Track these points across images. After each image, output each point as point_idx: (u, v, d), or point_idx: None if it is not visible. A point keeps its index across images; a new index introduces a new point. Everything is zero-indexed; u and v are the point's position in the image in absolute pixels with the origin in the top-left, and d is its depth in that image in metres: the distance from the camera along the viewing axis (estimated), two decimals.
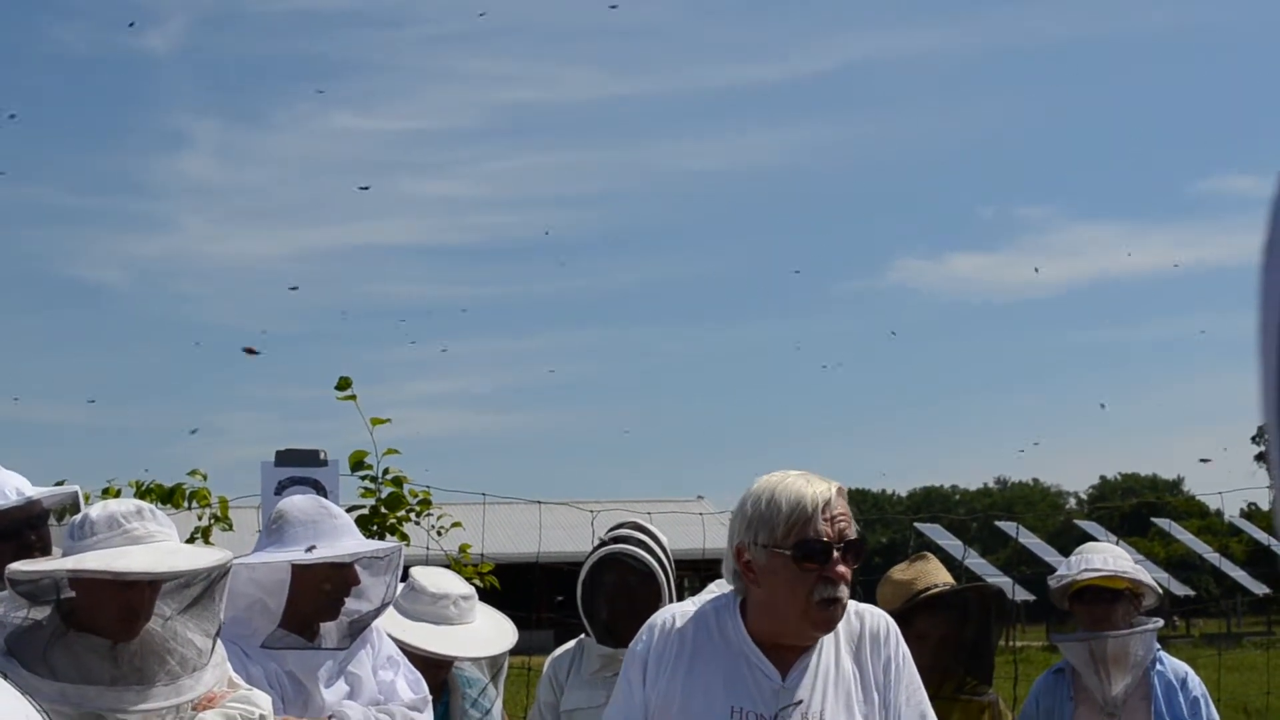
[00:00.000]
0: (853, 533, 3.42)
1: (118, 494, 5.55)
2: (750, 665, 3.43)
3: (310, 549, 4.16)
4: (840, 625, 3.49)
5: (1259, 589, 42.74)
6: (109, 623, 3.74)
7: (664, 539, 5.05)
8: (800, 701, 3.40)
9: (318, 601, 4.33)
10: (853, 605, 3.57)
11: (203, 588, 3.86)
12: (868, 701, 3.47)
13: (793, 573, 3.36)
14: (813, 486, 3.40)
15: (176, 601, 3.84)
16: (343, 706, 4.30)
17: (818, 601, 3.36)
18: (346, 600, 4.39)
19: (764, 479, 3.48)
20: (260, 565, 4.29)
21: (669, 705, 3.41)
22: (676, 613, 3.55)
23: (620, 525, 5.11)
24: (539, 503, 7.15)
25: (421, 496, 6.15)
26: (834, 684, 3.45)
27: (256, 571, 4.28)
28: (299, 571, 4.28)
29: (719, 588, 3.71)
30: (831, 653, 3.48)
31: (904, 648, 3.59)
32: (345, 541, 4.38)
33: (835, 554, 3.36)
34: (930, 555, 5.15)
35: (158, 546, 3.80)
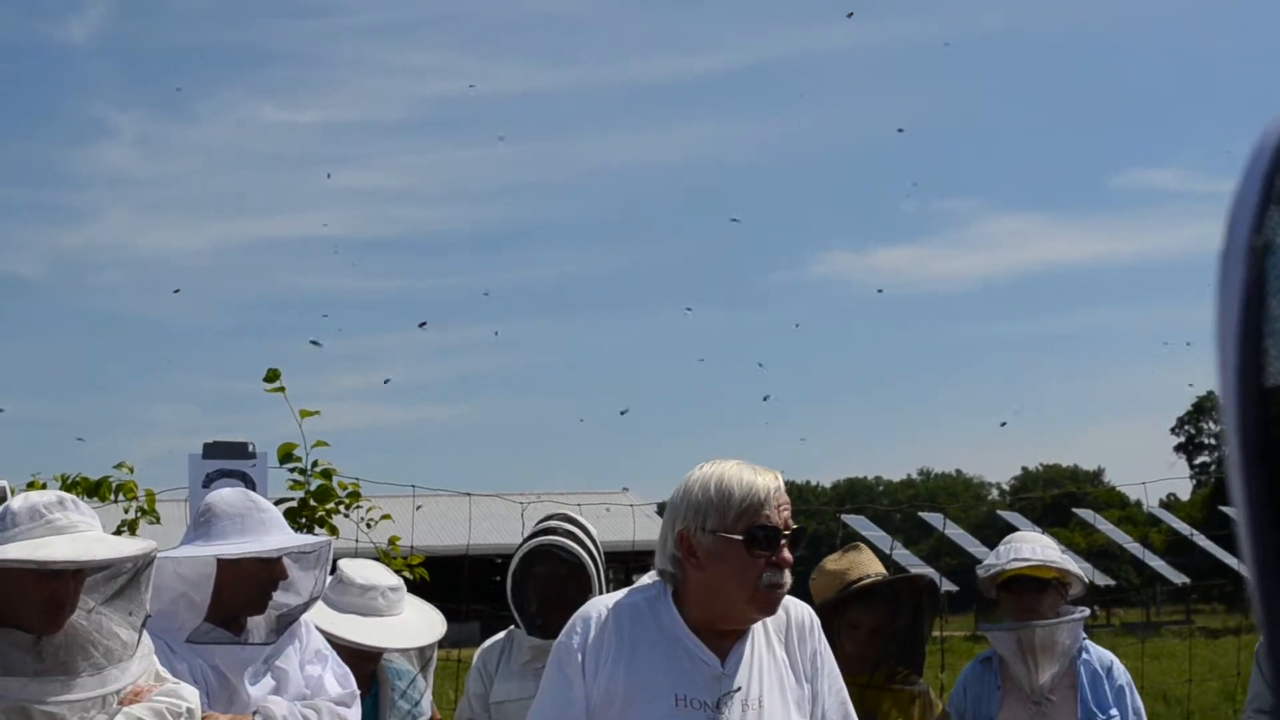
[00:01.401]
0: (794, 521, 3.50)
1: (43, 487, 5.48)
2: (689, 653, 3.45)
3: None
4: None
5: (1178, 578, 43.32)
6: (32, 616, 3.69)
7: (593, 530, 5.05)
8: (739, 688, 3.44)
9: (245, 596, 4.30)
10: None
11: (128, 578, 3.82)
12: (798, 688, 3.54)
13: (742, 558, 3.40)
14: (760, 476, 3.47)
15: (101, 593, 3.80)
16: (268, 702, 4.26)
17: (765, 586, 3.42)
18: (274, 594, 4.35)
19: (707, 466, 3.52)
20: (186, 559, 4.24)
21: (612, 697, 3.41)
22: (607, 604, 3.56)
23: (550, 517, 5.10)
24: (468, 495, 7.13)
25: (350, 489, 6.12)
26: (769, 671, 3.50)
27: (182, 565, 4.24)
28: (225, 566, 4.24)
29: (650, 579, 3.70)
30: (763, 641, 3.53)
31: (824, 639, 3.68)
32: (273, 536, 4.34)
33: (782, 541, 3.43)
34: (863, 546, 5.18)
35: (81, 536, 3.76)
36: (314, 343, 10.82)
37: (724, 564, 3.42)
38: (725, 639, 3.48)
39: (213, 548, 4.25)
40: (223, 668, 4.26)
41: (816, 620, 3.67)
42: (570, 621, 3.57)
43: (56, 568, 3.67)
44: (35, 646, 3.68)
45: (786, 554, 3.43)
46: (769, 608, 3.47)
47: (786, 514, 3.46)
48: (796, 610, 3.63)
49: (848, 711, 3.66)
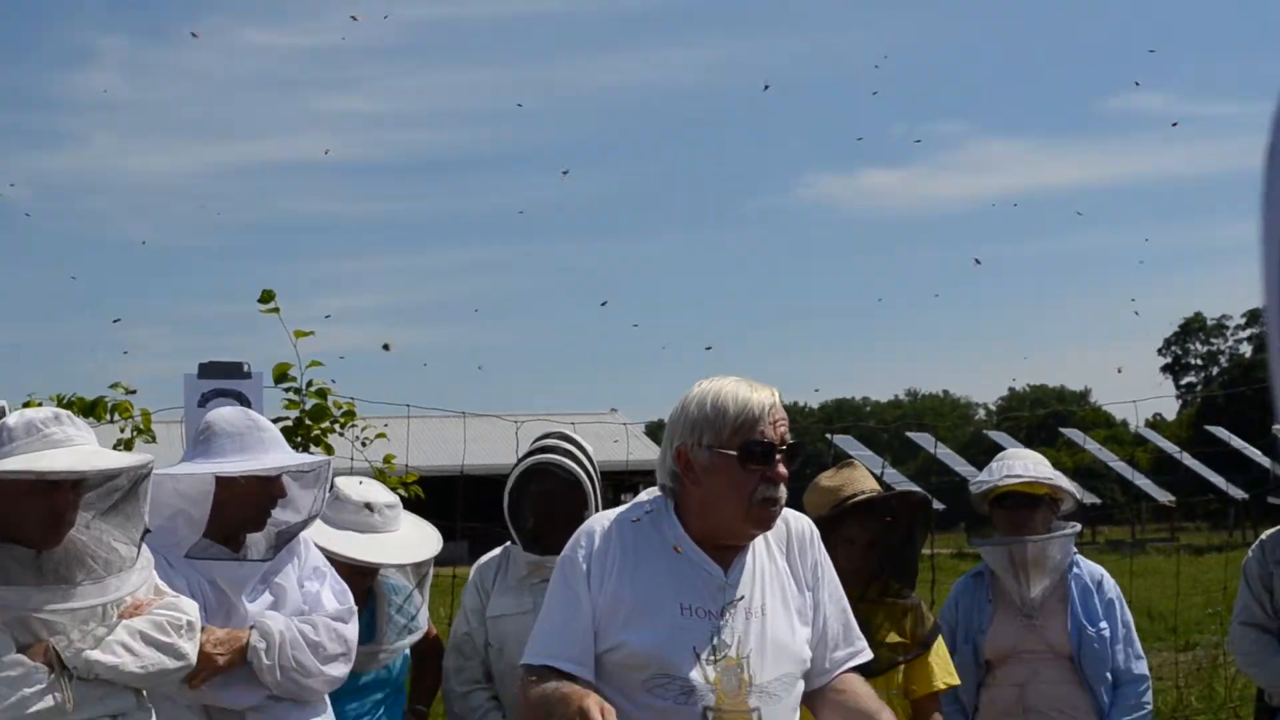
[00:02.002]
0: (790, 436, 3.52)
1: (39, 406, 5.47)
2: (693, 564, 3.49)
3: None
4: None
5: (1163, 497, 43.54)
6: (33, 529, 3.71)
7: (589, 449, 5.06)
8: (742, 597, 3.48)
9: (243, 513, 4.32)
10: None
11: (125, 491, 3.84)
12: (800, 597, 3.59)
13: (737, 473, 3.44)
14: (756, 392, 3.49)
15: (99, 506, 3.82)
16: (265, 617, 4.29)
17: (759, 501, 3.45)
18: (273, 512, 4.38)
19: (705, 383, 3.55)
20: (184, 476, 4.26)
21: (618, 607, 3.45)
22: (611, 519, 3.59)
23: (546, 435, 5.12)
24: (463, 414, 7.14)
25: (345, 408, 6.12)
26: (771, 580, 3.55)
27: (181, 482, 4.25)
28: (224, 483, 4.26)
29: (648, 495, 3.74)
30: (764, 552, 3.58)
31: (824, 550, 3.72)
32: (272, 454, 4.36)
33: (777, 456, 3.45)
34: (856, 462, 5.20)
35: (79, 449, 3.77)
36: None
37: (719, 479, 3.46)
38: (727, 551, 3.52)
39: (212, 465, 4.27)
40: (221, 583, 4.29)
41: (816, 532, 3.71)
42: (574, 536, 3.60)
43: (56, 478, 3.69)
44: (35, 560, 3.70)
45: (781, 469, 3.47)
46: (765, 523, 3.50)
47: (783, 430, 3.49)
48: (797, 522, 3.67)
49: (848, 620, 3.71)
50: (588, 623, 3.46)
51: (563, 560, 3.58)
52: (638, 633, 3.42)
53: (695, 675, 3.39)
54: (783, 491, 3.49)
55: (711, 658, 3.42)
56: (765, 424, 3.45)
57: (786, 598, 3.55)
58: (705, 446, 3.46)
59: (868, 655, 3.73)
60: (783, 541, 3.62)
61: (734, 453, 3.44)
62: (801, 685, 3.57)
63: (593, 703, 3.20)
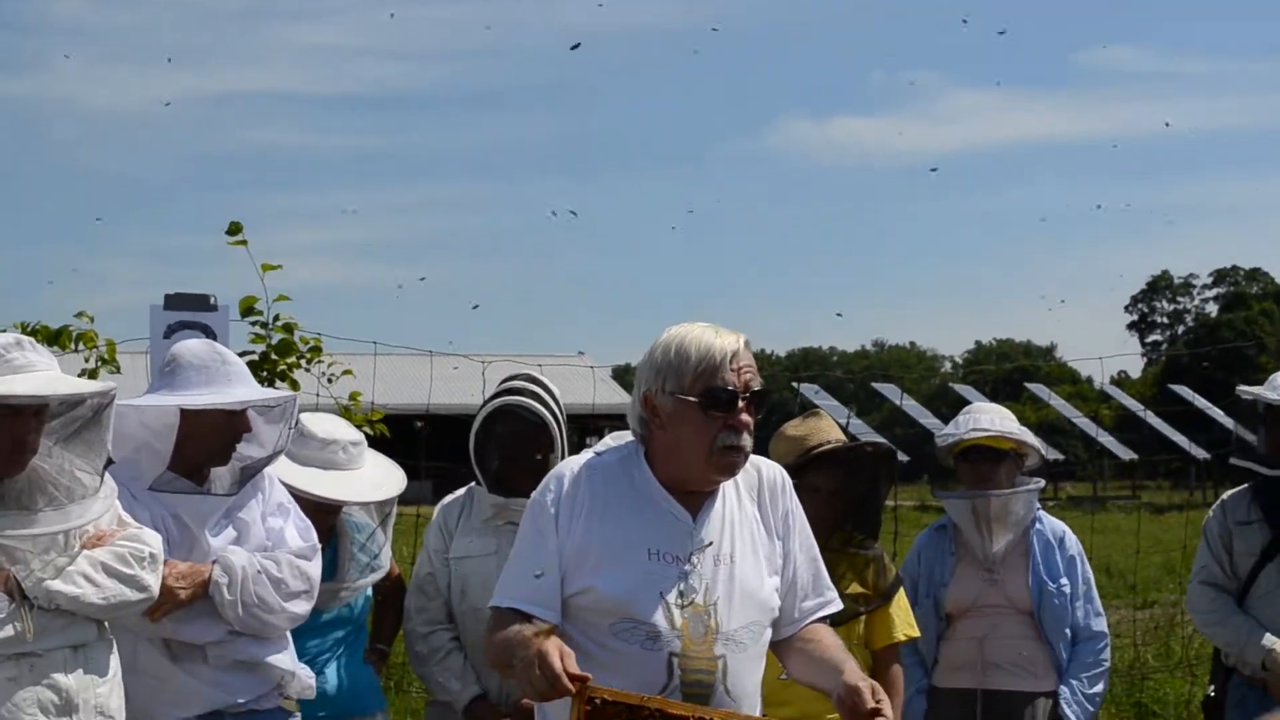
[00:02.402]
0: (757, 384, 3.50)
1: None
2: (661, 510, 3.49)
3: None
4: (740, 474, 3.58)
5: (1126, 455, 43.82)
6: None
7: (556, 391, 5.05)
8: (711, 543, 3.48)
9: (208, 447, 4.30)
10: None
11: (88, 418, 3.81)
12: (770, 544, 3.58)
13: (699, 419, 3.43)
14: (721, 338, 3.47)
15: (61, 434, 3.79)
16: (228, 552, 4.28)
17: (721, 448, 3.44)
18: (238, 446, 4.36)
19: (673, 329, 3.54)
20: (149, 408, 4.24)
21: (586, 551, 3.45)
22: (581, 463, 3.58)
23: (513, 377, 5.09)
24: (430, 353, 7.11)
25: (312, 344, 6.09)
26: (740, 527, 3.54)
27: (145, 414, 4.23)
28: (189, 416, 4.24)
29: (615, 439, 3.73)
30: (734, 499, 3.57)
31: (796, 499, 3.70)
32: (238, 389, 4.33)
33: (740, 403, 3.44)
34: (823, 412, 5.20)
35: (41, 374, 3.74)
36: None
37: (683, 425, 3.45)
38: (695, 497, 3.52)
39: (176, 398, 4.25)
40: (184, 517, 4.27)
41: (789, 480, 3.70)
42: (545, 479, 3.60)
43: (17, 403, 3.66)
44: None
45: (744, 416, 3.45)
46: (727, 469, 3.49)
47: (748, 377, 3.47)
48: (769, 470, 3.66)
49: (819, 570, 3.70)
50: (553, 566, 3.46)
51: (532, 503, 3.58)
52: (605, 577, 3.42)
53: (661, 621, 3.39)
54: (746, 439, 3.47)
55: (679, 604, 3.41)
56: (727, 370, 3.43)
57: (756, 545, 3.55)
58: (669, 392, 3.46)
59: (838, 606, 3.73)
60: (754, 489, 3.61)
61: (695, 399, 3.43)
62: (769, 634, 3.58)
63: (551, 646, 3.18)
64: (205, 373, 4.31)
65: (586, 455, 3.63)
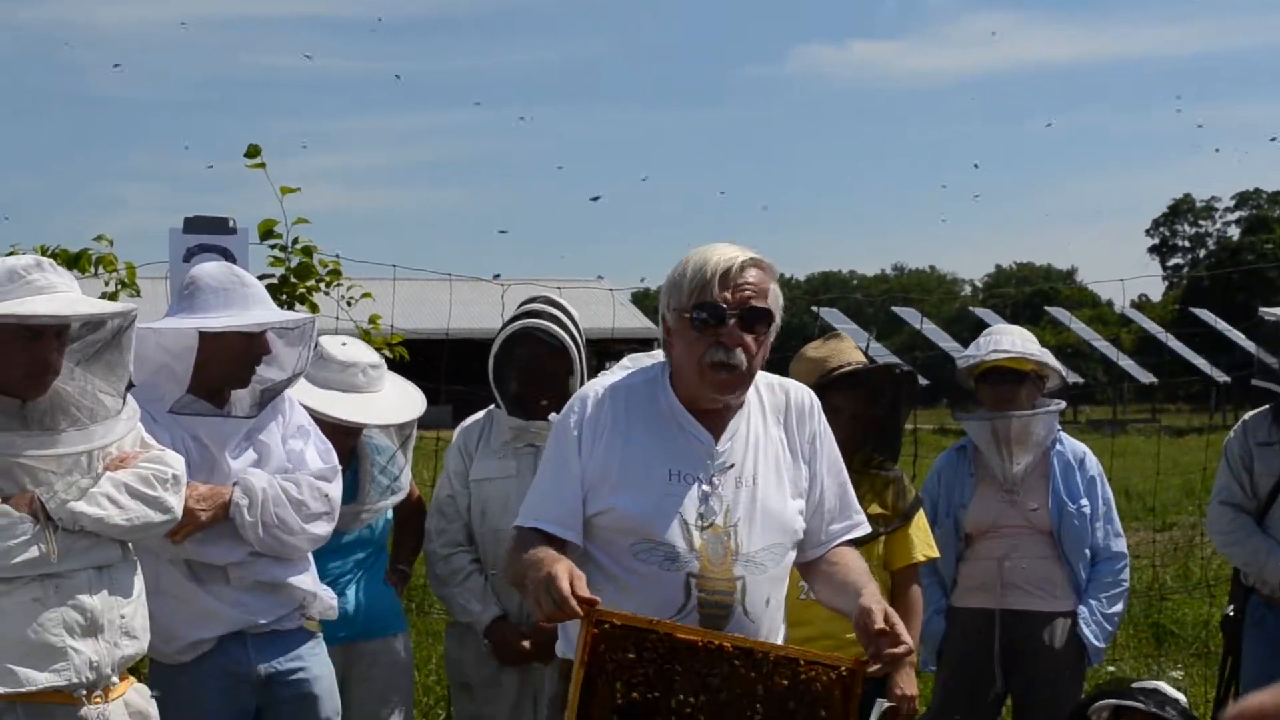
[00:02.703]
0: (760, 302, 3.44)
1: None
2: (683, 430, 3.49)
3: None
4: (765, 396, 3.58)
5: (1146, 378, 43.72)
6: (17, 378, 3.69)
7: (575, 314, 5.03)
8: (733, 465, 3.47)
9: (227, 369, 4.30)
10: (776, 379, 3.66)
11: (109, 339, 3.81)
12: (795, 468, 3.57)
13: (691, 336, 3.44)
14: (720, 253, 3.45)
15: (84, 355, 3.80)
16: (248, 474, 4.29)
17: (709, 364, 3.42)
18: (258, 369, 4.37)
19: (694, 248, 3.52)
20: (168, 331, 4.24)
21: (607, 473, 3.46)
22: (604, 385, 3.58)
23: (533, 300, 5.08)
24: (449, 276, 7.09)
25: (331, 267, 6.08)
26: (763, 450, 3.53)
27: (164, 337, 4.23)
28: (208, 339, 4.24)
29: (633, 363, 3.73)
30: (759, 421, 3.55)
31: (825, 422, 3.68)
32: (256, 311, 4.33)
33: (730, 320, 3.41)
34: (844, 334, 5.19)
35: (62, 295, 3.74)
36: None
37: (681, 341, 3.47)
38: (718, 418, 3.50)
39: (195, 320, 4.25)
40: (205, 439, 4.28)
41: (818, 403, 3.68)
42: (569, 401, 3.61)
43: (39, 324, 3.66)
44: (20, 410, 3.68)
45: (734, 333, 3.41)
46: (720, 387, 3.46)
47: (746, 294, 3.42)
48: (797, 392, 3.64)
49: (846, 492, 3.69)
50: (576, 487, 3.46)
51: (556, 425, 3.59)
52: (626, 498, 3.43)
53: (680, 542, 3.40)
54: (739, 356, 3.42)
55: (698, 525, 3.42)
56: (717, 285, 3.40)
57: (780, 468, 3.53)
58: (672, 310, 3.47)
59: (865, 529, 3.71)
60: (780, 412, 3.59)
61: (688, 315, 3.43)
62: (791, 556, 3.57)
63: (562, 568, 3.17)
64: (224, 295, 4.31)
65: (611, 377, 3.63)
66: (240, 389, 4.36)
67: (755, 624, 3.43)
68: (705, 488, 3.44)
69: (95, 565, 3.76)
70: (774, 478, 3.51)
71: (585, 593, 3.14)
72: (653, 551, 3.41)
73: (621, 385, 3.56)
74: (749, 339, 3.43)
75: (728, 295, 3.41)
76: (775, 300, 3.50)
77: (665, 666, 3.22)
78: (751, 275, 3.44)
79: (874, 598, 3.33)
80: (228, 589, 4.30)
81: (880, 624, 3.21)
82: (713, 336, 3.41)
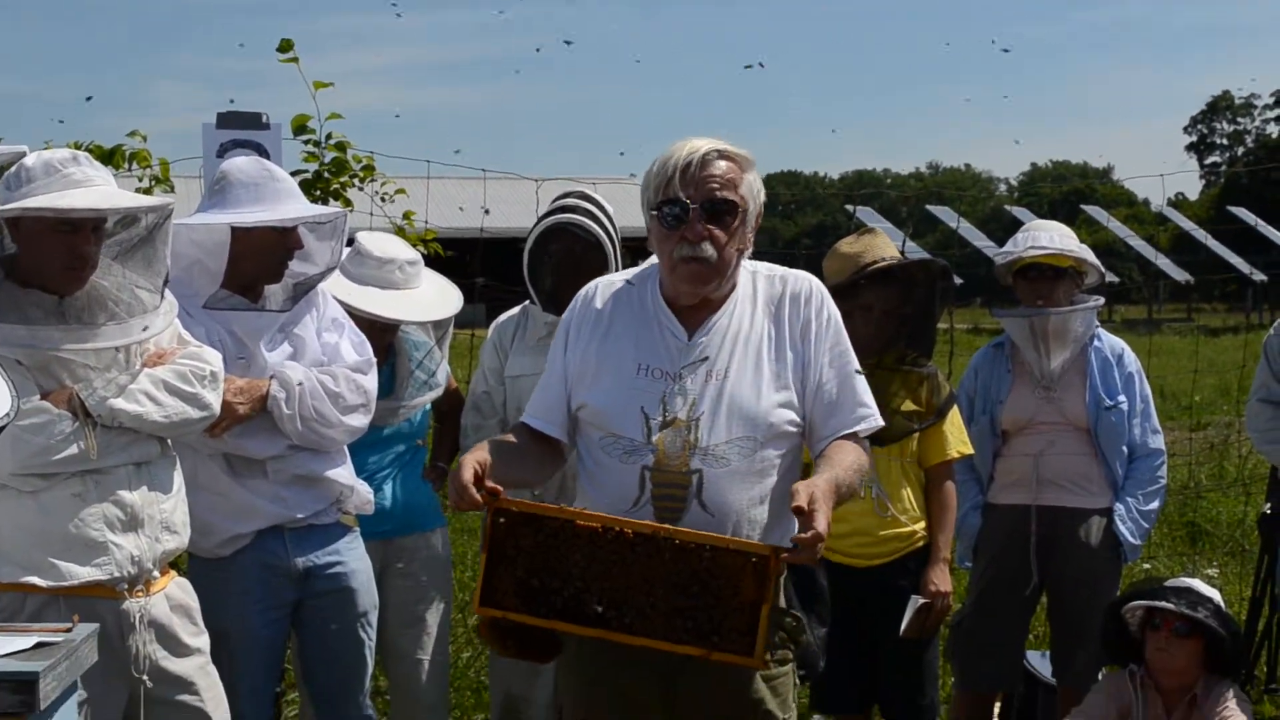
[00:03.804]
0: (726, 194, 3.40)
1: None
2: (661, 326, 3.50)
3: None
4: (761, 288, 3.55)
5: (1181, 277, 43.44)
6: (55, 273, 3.69)
7: (610, 209, 5.00)
8: (706, 359, 3.46)
9: (260, 264, 4.30)
10: (780, 270, 3.61)
11: (145, 233, 3.81)
12: (779, 360, 3.49)
13: (660, 232, 3.44)
14: (683, 147, 3.42)
15: (120, 248, 3.80)
16: (284, 367, 4.31)
17: (679, 259, 3.42)
18: (291, 263, 4.36)
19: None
20: (199, 226, 4.24)
21: (586, 368, 3.51)
22: (603, 282, 3.63)
23: (566, 194, 5.04)
24: (484, 172, 7.05)
25: (365, 163, 6.05)
26: (743, 342, 3.48)
27: (196, 232, 4.23)
28: (240, 234, 4.24)
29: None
30: (746, 313, 3.51)
31: (830, 311, 3.57)
32: (288, 205, 4.32)
33: (691, 214, 3.39)
34: (878, 230, 5.15)
35: (98, 189, 3.74)
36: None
37: (654, 239, 3.48)
38: (700, 312, 3.49)
39: (227, 215, 4.25)
40: (240, 333, 4.30)
41: (818, 291, 3.58)
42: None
43: (76, 216, 3.66)
44: (58, 307, 3.69)
45: (696, 226, 3.38)
46: (691, 280, 3.44)
47: (709, 186, 3.39)
48: (795, 282, 3.57)
49: (851, 385, 3.53)
50: (560, 384, 3.54)
51: (559, 322, 3.67)
52: (595, 393, 3.48)
53: (639, 434, 3.42)
54: (706, 249, 3.39)
55: (658, 418, 3.42)
56: (679, 182, 3.38)
57: (760, 361, 3.47)
58: (645, 208, 3.48)
59: (871, 424, 3.55)
60: (774, 303, 3.54)
61: (655, 213, 3.44)
62: (773, 451, 3.45)
63: (469, 459, 3.26)
64: (255, 190, 4.30)
65: (613, 275, 3.66)
66: (274, 283, 4.37)
67: (717, 518, 3.37)
68: (673, 382, 3.43)
69: (134, 461, 3.79)
70: (751, 371, 3.46)
71: (491, 484, 3.24)
72: (615, 444, 3.44)
73: (619, 281, 3.59)
74: (716, 231, 3.40)
75: (691, 190, 3.39)
76: (749, 190, 3.45)
77: (565, 553, 3.27)
78: (717, 167, 3.41)
79: (811, 482, 3.21)
80: (265, 483, 4.33)
81: (798, 503, 3.11)
82: (679, 233, 3.40)
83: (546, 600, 3.29)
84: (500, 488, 3.26)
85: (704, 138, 3.46)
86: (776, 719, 3.50)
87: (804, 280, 3.59)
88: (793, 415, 3.48)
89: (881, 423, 3.61)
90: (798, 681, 3.64)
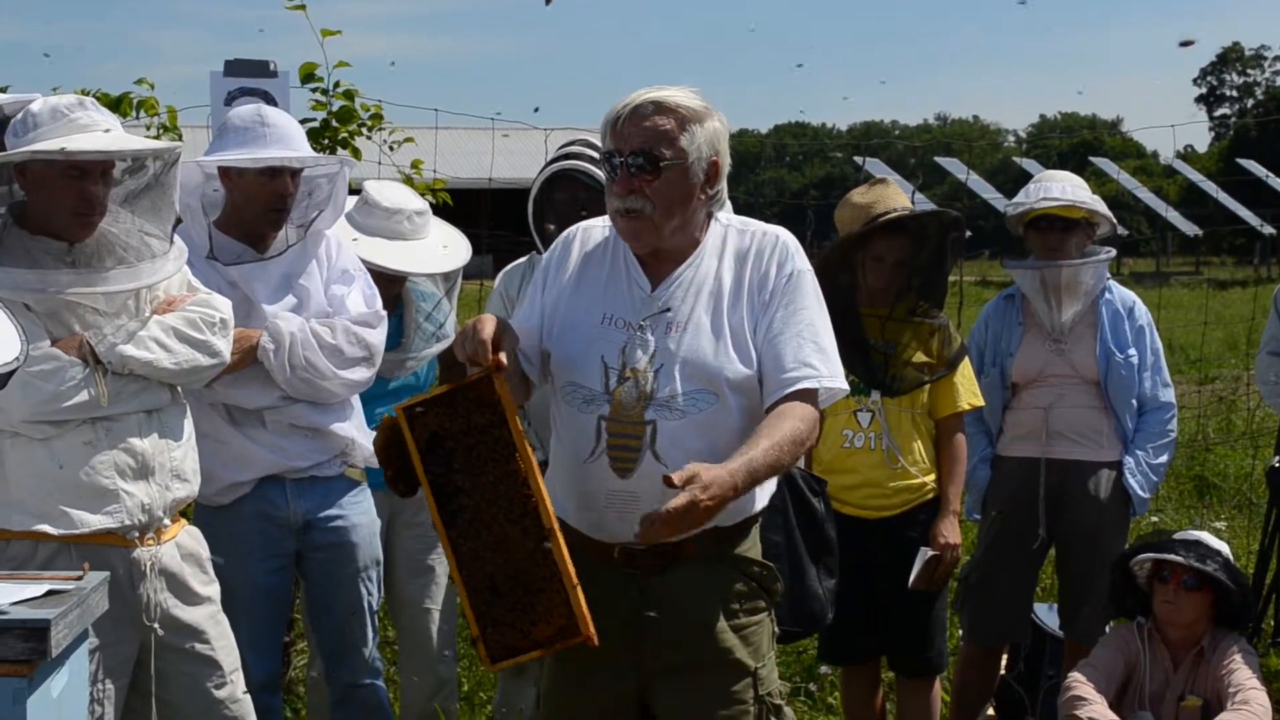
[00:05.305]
0: (650, 145, 3.32)
1: None
2: (628, 277, 3.48)
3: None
4: (732, 241, 3.49)
5: (1190, 230, 43.31)
6: (64, 220, 3.68)
7: None
8: (669, 310, 3.42)
9: (255, 209, 4.31)
10: (752, 224, 3.55)
11: (153, 178, 3.80)
12: (736, 314, 3.43)
13: (609, 185, 3.41)
14: (622, 100, 3.39)
15: (128, 196, 3.78)
16: (279, 318, 4.29)
17: (612, 211, 3.41)
18: (292, 212, 4.36)
19: None
20: (186, 167, 4.21)
21: (556, 314, 3.51)
22: (585, 226, 3.60)
23: (572, 142, 5.01)
24: (492, 120, 7.01)
25: (373, 111, 6.01)
26: (706, 295, 3.44)
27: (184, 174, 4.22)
28: (231, 178, 4.29)
29: None
30: (712, 267, 3.46)
31: (795, 267, 3.48)
32: (273, 149, 4.30)
33: (619, 166, 3.35)
34: (890, 180, 5.12)
35: (104, 134, 3.72)
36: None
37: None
38: (667, 264, 3.46)
39: (210, 157, 4.28)
40: (240, 283, 4.29)
41: (784, 246, 3.49)
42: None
43: (84, 159, 3.64)
44: (68, 253, 3.68)
45: (622, 178, 3.34)
46: (625, 233, 3.43)
47: (637, 139, 3.33)
48: (765, 235, 3.51)
49: (804, 344, 3.42)
50: (534, 321, 3.51)
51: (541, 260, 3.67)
52: (559, 341, 3.48)
53: (597, 384, 3.41)
54: (635, 201, 3.34)
55: (616, 368, 3.41)
56: (610, 135, 3.37)
57: (720, 312, 3.42)
58: None
59: (811, 384, 3.37)
60: (740, 256, 3.48)
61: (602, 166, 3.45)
62: (731, 403, 3.39)
63: (489, 321, 3.23)
64: (242, 134, 4.31)
65: (599, 221, 3.60)
66: (275, 230, 4.36)
67: (670, 469, 3.21)
68: (634, 332, 3.41)
69: (145, 409, 3.79)
70: (710, 324, 3.41)
71: (502, 360, 3.20)
72: (575, 393, 3.44)
73: (598, 229, 3.56)
74: (649, 184, 3.34)
75: (619, 142, 3.36)
76: (693, 143, 3.35)
77: (489, 463, 3.26)
78: (649, 120, 3.35)
79: (711, 468, 3.13)
80: (264, 432, 4.33)
81: (674, 478, 3.06)
82: (615, 184, 3.38)
83: (439, 462, 3.30)
84: (505, 363, 3.22)
85: (662, 88, 3.39)
86: (748, 668, 3.47)
87: (772, 234, 3.52)
88: (749, 370, 3.41)
89: (840, 386, 3.46)
90: (776, 630, 3.61)
